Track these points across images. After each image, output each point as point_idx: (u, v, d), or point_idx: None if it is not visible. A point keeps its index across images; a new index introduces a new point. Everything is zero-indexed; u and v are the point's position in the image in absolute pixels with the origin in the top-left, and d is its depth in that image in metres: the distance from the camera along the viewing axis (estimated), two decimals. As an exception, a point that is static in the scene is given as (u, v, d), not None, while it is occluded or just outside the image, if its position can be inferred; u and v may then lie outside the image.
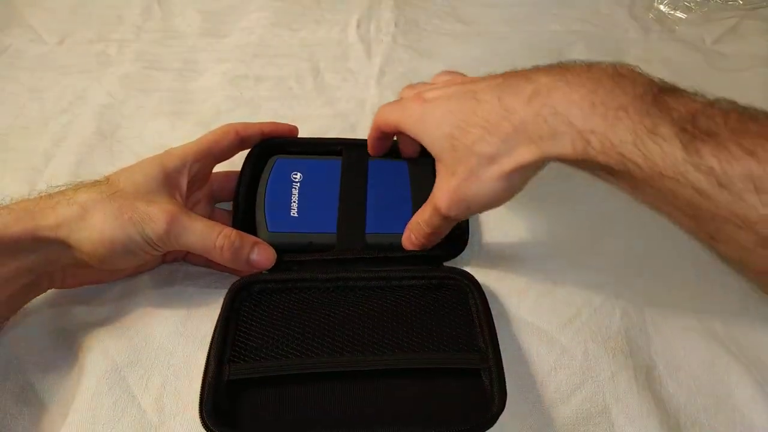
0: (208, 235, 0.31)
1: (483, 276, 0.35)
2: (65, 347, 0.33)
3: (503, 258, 0.36)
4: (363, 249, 0.35)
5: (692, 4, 0.57)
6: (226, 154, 0.36)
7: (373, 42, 0.54)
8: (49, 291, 0.34)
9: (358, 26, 0.56)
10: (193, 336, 0.33)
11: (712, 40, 0.54)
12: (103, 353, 0.32)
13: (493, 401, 0.27)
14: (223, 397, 0.28)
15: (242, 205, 0.36)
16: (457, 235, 0.35)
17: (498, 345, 0.29)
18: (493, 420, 0.26)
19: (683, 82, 0.51)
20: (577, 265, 0.36)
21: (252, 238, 0.33)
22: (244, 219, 0.35)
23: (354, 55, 0.53)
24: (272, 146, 0.37)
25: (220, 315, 0.31)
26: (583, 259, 0.36)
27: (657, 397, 0.30)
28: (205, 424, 0.26)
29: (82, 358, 0.32)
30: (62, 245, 0.29)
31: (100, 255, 0.30)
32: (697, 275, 0.36)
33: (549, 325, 0.33)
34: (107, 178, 0.32)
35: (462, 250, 0.35)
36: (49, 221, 0.29)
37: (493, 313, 0.31)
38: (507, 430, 0.28)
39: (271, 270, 0.33)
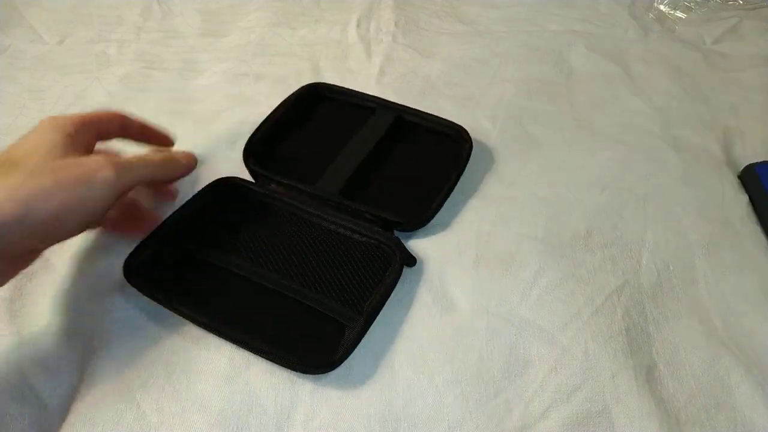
0: (143, 162, 0.33)
1: (486, 274, 0.35)
2: (65, 347, 0.33)
3: (505, 257, 0.36)
4: (337, 195, 0.38)
5: (692, 4, 0.57)
6: (106, 135, 0.35)
7: (373, 42, 0.54)
8: (49, 290, 0.34)
9: (358, 26, 0.56)
10: (193, 335, 0.33)
11: (712, 40, 0.54)
12: (104, 352, 0.32)
13: (337, 354, 0.31)
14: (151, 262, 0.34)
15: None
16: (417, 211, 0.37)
17: (375, 315, 0.32)
18: (324, 368, 0.30)
19: (683, 82, 0.51)
20: (579, 263, 0.36)
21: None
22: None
23: (354, 55, 0.53)
24: (316, 90, 0.45)
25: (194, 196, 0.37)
26: (582, 256, 0.36)
27: (657, 397, 0.30)
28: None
29: (82, 358, 0.32)
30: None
31: (57, 225, 0.28)
32: (703, 275, 0.36)
33: (550, 324, 0.33)
34: (7, 156, 0.29)
35: (422, 225, 0.38)
36: None
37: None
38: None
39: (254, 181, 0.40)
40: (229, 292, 0.34)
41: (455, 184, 0.39)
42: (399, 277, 0.34)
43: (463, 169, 0.40)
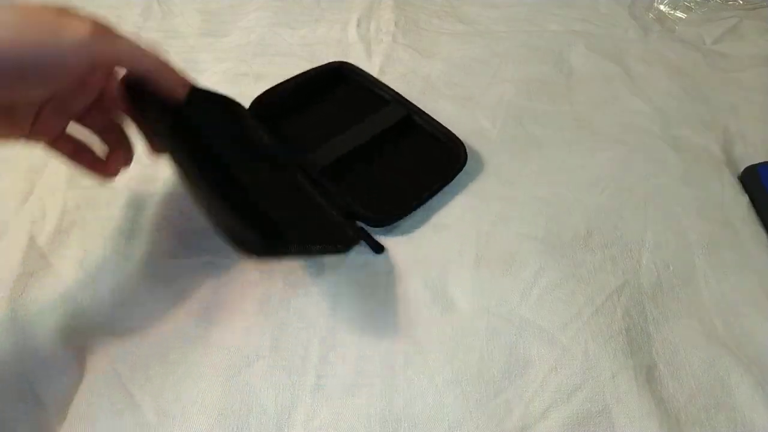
0: (140, 48, 0.28)
1: (486, 274, 0.35)
2: (65, 347, 0.33)
3: (505, 257, 0.36)
4: (318, 170, 0.39)
5: (692, 4, 0.57)
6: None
7: (373, 41, 0.54)
8: (49, 288, 0.34)
9: (358, 25, 0.56)
10: (192, 335, 0.33)
11: (712, 40, 0.54)
12: (104, 353, 0.32)
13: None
14: None
15: None
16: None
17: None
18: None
19: (683, 82, 0.51)
20: (579, 263, 0.36)
21: None
22: None
23: (354, 55, 0.53)
24: (341, 68, 0.46)
25: None
26: (582, 256, 0.36)
27: (657, 397, 0.30)
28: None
29: (82, 358, 0.32)
30: None
31: (14, 77, 0.24)
32: (703, 275, 0.36)
33: (550, 324, 0.33)
34: None
35: (384, 225, 0.38)
36: None
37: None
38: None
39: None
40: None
41: (434, 194, 0.39)
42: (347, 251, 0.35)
43: (448, 182, 0.40)
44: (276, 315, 0.34)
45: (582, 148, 0.44)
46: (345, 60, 0.49)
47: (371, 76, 0.46)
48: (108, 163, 0.33)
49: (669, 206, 0.40)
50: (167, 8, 0.59)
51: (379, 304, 0.34)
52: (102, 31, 0.26)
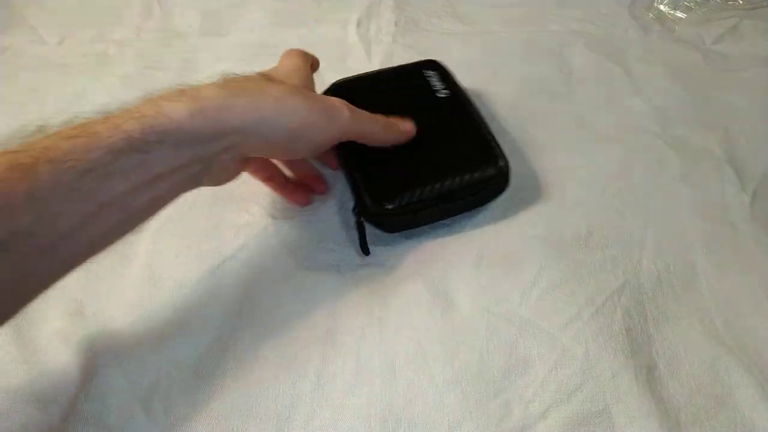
0: (371, 117, 0.35)
1: (486, 274, 0.35)
2: (70, 349, 0.33)
3: (506, 257, 0.36)
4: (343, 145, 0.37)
5: (692, 4, 0.57)
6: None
7: (373, 41, 0.54)
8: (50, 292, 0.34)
9: (358, 25, 0.56)
10: (194, 342, 0.33)
11: (712, 40, 0.54)
12: (108, 354, 0.32)
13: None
14: None
15: None
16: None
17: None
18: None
19: (683, 82, 0.51)
20: (580, 263, 0.36)
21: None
22: None
23: (354, 55, 0.53)
24: (432, 66, 0.45)
25: None
26: (582, 256, 0.36)
27: (657, 397, 0.30)
28: None
29: (86, 360, 0.32)
30: (249, 138, 0.29)
31: (290, 146, 0.31)
32: (703, 275, 0.36)
33: (550, 324, 0.33)
34: (266, 74, 0.33)
35: (379, 225, 0.37)
36: (236, 111, 0.28)
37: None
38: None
39: None
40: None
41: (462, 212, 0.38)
42: None
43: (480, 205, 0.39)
44: (276, 315, 0.34)
45: (582, 148, 0.44)
46: (346, 56, 0.49)
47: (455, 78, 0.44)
48: (297, 193, 0.40)
49: (669, 206, 0.40)
50: (167, 8, 0.59)
51: (380, 304, 0.34)
52: (354, 111, 0.33)
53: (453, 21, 0.57)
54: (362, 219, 0.36)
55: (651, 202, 0.40)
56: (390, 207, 0.35)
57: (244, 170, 0.35)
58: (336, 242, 0.38)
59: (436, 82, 0.42)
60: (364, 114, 0.34)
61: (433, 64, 0.44)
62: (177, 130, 0.26)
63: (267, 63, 0.52)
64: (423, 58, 0.45)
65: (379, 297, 0.35)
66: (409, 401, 0.30)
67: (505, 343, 0.32)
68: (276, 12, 0.58)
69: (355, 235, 0.37)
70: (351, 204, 0.37)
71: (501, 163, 0.37)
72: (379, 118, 0.36)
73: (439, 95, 0.42)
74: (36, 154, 0.24)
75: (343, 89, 0.43)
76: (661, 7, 0.58)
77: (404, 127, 0.37)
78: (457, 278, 0.35)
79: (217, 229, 0.39)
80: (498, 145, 0.38)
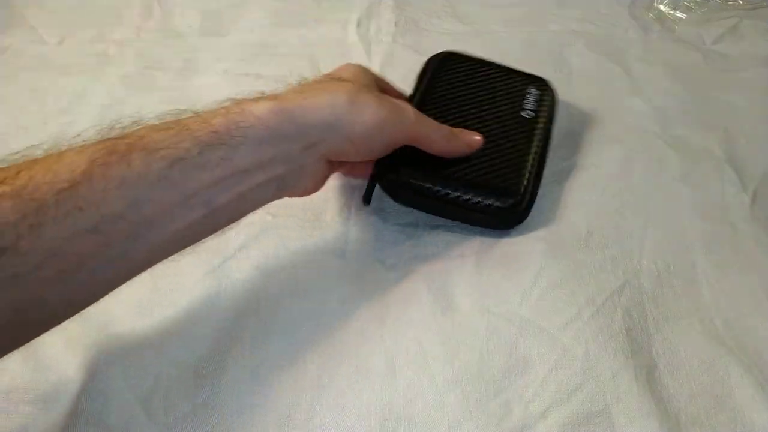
0: (439, 126, 0.36)
1: (486, 273, 0.35)
2: (71, 349, 0.33)
3: (506, 257, 0.36)
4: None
5: (692, 4, 0.57)
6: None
7: (373, 42, 0.54)
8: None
9: (358, 25, 0.56)
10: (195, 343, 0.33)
11: (712, 40, 0.54)
12: (109, 354, 0.32)
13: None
14: None
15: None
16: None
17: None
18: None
19: (683, 82, 0.51)
20: (580, 263, 0.36)
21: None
22: None
23: (354, 55, 0.53)
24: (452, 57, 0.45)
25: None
26: (583, 256, 0.36)
27: (657, 397, 0.30)
28: None
29: (88, 362, 0.32)
30: (331, 135, 0.30)
31: (369, 143, 0.32)
32: (703, 274, 0.36)
33: (550, 324, 0.33)
34: (334, 75, 0.35)
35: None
36: (318, 102, 0.30)
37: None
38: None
39: None
40: None
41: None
42: None
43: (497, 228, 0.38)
44: (276, 314, 0.34)
45: (582, 148, 0.44)
46: (346, 56, 0.49)
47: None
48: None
49: (669, 206, 0.40)
50: (167, 8, 0.59)
51: (380, 304, 0.34)
52: (418, 115, 0.34)
53: (453, 21, 0.57)
54: (378, 170, 0.36)
55: (651, 202, 0.40)
56: (403, 179, 0.36)
57: (330, 174, 0.35)
58: (337, 242, 0.38)
59: (530, 101, 0.42)
60: (429, 120, 0.35)
61: (542, 84, 0.44)
62: (260, 127, 0.28)
63: (267, 63, 0.53)
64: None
65: (380, 296, 0.35)
66: (409, 401, 0.30)
67: (505, 343, 0.32)
68: (276, 12, 0.58)
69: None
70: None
71: (516, 200, 0.36)
72: (444, 128, 0.36)
73: (523, 114, 0.41)
74: (132, 141, 0.25)
75: (452, 60, 0.44)
76: (661, 7, 0.58)
77: (468, 140, 0.37)
78: (458, 278, 0.35)
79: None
80: (531, 183, 0.37)
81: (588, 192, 0.40)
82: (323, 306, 0.35)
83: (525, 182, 0.37)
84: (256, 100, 0.29)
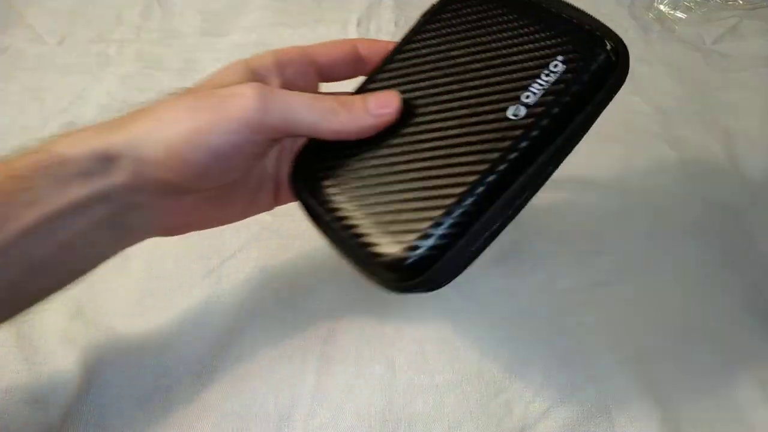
0: (314, 100, 0.25)
1: (487, 272, 0.35)
2: (69, 349, 0.33)
3: (507, 256, 0.36)
4: None
5: (692, 4, 0.57)
6: (335, 69, 0.29)
7: (373, 42, 0.54)
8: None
9: (358, 25, 0.56)
10: (193, 340, 0.33)
11: (712, 40, 0.54)
12: (107, 355, 0.32)
13: None
14: None
15: None
16: None
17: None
18: None
19: (683, 82, 0.51)
20: (583, 263, 0.36)
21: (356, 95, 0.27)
22: None
23: (354, 55, 0.53)
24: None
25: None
26: (583, 257, 0.36)
27: (658, 398, 0.30)
28: None
29: (86, 361, 0.32)
30: (137, 162, 0.24)
31: (183, 161, 0.24)
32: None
33: (551, 323, 0.33)
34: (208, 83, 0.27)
35: None
36: (118, 135, 0.24)
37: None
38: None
39: None
40: None
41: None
42: None
43: None
44: (276, 315, 0.34)
45: (582, 148, 0.44)
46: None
47: None
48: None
49: (670, 206, 0.40)
50: (167, 8, 0.58)
51: (380, 303, 0.34)
52: (270, 96, 0.25)
53: (453, 21, 0.57)
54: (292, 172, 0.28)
55: (652, 202, 0.40)
56: (298, 190, 0.28)
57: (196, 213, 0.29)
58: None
59: (539, 86, 0.24)
60: (293, 97, 0.25)
61: (588, 54, 0.25)
62: (60, 162, 0.23)
63: (267, 63, 0.53)
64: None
65: (379, 296, 0.35)
66: (409, 401, 0.30)
67: (505, 343, 0.32)
68: (276, 12, 0.58)
69: None
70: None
71: (401, 257, 0.23)
72: (323, 100, 0.25)
73: (509, 112, 0.24)
74: None
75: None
76: (661, 7, 0.57)
77: (374, 110, 0.26)
78: (459, 277, 0.35)
79: (217, 229, 0.39)
80: (446, 238, 0.23)
81: (589, 192, 0.40)
82: (323, 306, 0.35)
83: (429, 232, 0.22)
84: (69, 134, 0.25)
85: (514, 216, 0.24)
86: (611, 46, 0.25)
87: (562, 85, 0.24)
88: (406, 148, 0.25)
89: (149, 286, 0.35)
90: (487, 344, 0.32)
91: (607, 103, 0.26)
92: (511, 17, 0.27)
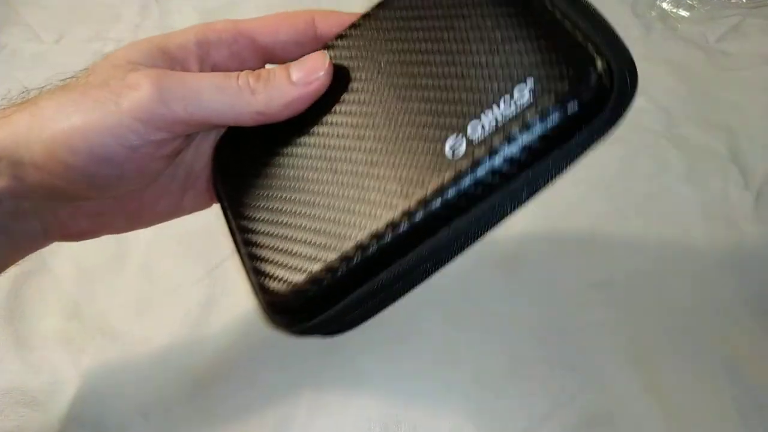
0: (224, 79, 0.21)
1: (488, 274, 0.35)
2: (63, 349, 0.32)
3: (508, 257, 0.36)
4: None
5: (695, 2, 0.57)
6: (285, 50, 0.24)
7: (373, 40, 0.54)
8: (46, 292, 0.33)
9: (357, 24, 0.56)
10: (190, 339, 0.32)
11: (715, 38, 0.54)
12: (103, 357, 0.32)
13: None
14: None
15: None
16: None
17: None
18: None
19: (686, 81, 0.51)
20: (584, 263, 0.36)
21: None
22: None
23: (354, 54, 0.53)
24: None
25: None
26: (585, 257, 0.36)
27: (661, 401, 0.30)
28: None
29: (81, 362, 0.32)
30: (16, 165, 0.20)
31: (64, 166, 0.20)
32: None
33: (552, 325, 0.33)
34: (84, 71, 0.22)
35: None
36: (1, 134, 0.20)
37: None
38: None
39: None
40: None
41: None
42: None
43: None
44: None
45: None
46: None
47: None
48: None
49: (672, 205, 0.39)
50: (165, 6, 0.58)
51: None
52: (169, 81, 0.21)
53: (453, 19, 0.57)
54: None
55: (654, 201, 0.39)
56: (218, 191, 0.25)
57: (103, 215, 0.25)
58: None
59: (492, 117, 0.18)
60: (201, 78, 0.21)
61: (573, 77, 0.18)
62: None
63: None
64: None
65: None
66: (410, 404, 0.30)
67: (506, 345, 0.32)
68: (273, 10, 0.57)
69: None
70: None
71: (287, 291, 0.20)
72: (239, 77, 0.21)
73: (447, 147, 0.19)
74: None
75: None
76: (664, 5, 0.57)
77: (301, 78, 0.21)
78: (459, 276, 0.35)
79: (216, 228, 0.38)
80: (335, 278, 0.19)
81: (590, 191, 0.40)
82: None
83: (320, 277, 0.19)
84: None
85: (424, 277, 0.20)
86: (604, 68, 0.18)
87: (520, 123, 0.17)
88: (322, 153, 0.21)
89: (147, 287, 0.35)
90: (487, 346, 0.32)
91: (590, 145, 0.19)
92: (495, 11, 0.20)
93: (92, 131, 0.20)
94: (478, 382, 0.31)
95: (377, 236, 0.18)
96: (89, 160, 0.20)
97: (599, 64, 0.18)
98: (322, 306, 0.19)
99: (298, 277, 0.19)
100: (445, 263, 0.20)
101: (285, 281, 0.19)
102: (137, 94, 0.20)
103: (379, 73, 0.21)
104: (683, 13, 0.56)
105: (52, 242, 0.24)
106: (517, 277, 0.35)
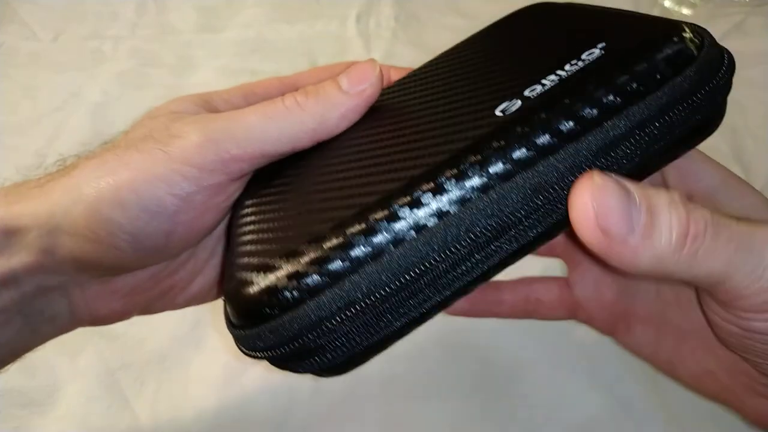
0: (269, 106, 0.20)
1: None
2: (60, 350, 0.32)
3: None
4: None
5: (697, 1, 0.57)
6: None
7: (373, 37, 0.54)
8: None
9: (357, 21, 0.55)
10: (188, 341, 0.32)
11: (718, 36, 0.53)
12: (99, 357, 0.31)
13: None
14: None
15: None
16: None
17: None
18: None
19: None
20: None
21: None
22: None
23: (353, 50, 0.52)
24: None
25: None
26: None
27: (662, 402, 0.30)
28: None
29: (77, 362, 0.32)
30: (49, 235, 0.19)
31: (111, 220, 0.18)
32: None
33: (554, 325, 0.32)
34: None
35: None
36: (27, 203, 0.19)
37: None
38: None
39: None
40: None
41: None
42: None
43: None
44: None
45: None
46: (345, 52, 0.48)
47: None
48: None
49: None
50: (162, 4, 0.58)
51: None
52: (216, 123, 0.20)
53: (454, 16, 0.56)
54: None
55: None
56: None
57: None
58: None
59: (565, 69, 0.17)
60: (244, 112, 0.20)
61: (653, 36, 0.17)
62: None
63: (264, 59, 0.52)
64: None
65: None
66: (410, 405, 0.30)
67: (509, 347, 0.32)
68: (273, 7, 0.57)
69: None
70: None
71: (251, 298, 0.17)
72: (284, 99, 0.20)
73: (498, 110, 0.17)
74: None
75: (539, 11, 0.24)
76: (666, 3, 0.57)
77: (351, 87, 0.20)
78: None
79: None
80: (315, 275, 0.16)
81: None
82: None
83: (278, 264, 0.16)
84: None
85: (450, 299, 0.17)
86: (689, 36, 0.17)
87: (592, 68, 0.16)
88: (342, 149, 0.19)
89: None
90: (490, 348, 0.32)
91: (675, 112, 0.16)
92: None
93: (142, 181, 0.18)
94: (480, 383, 0.30)
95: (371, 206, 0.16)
96: (138, 214, 0.18)
97: (687, 31, 0.17)
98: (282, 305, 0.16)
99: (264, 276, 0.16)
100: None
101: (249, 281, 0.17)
102: (184, 142, 0.19)
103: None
104: (685, 11, 0.56)
105: (77, 326, 0.22)
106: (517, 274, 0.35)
